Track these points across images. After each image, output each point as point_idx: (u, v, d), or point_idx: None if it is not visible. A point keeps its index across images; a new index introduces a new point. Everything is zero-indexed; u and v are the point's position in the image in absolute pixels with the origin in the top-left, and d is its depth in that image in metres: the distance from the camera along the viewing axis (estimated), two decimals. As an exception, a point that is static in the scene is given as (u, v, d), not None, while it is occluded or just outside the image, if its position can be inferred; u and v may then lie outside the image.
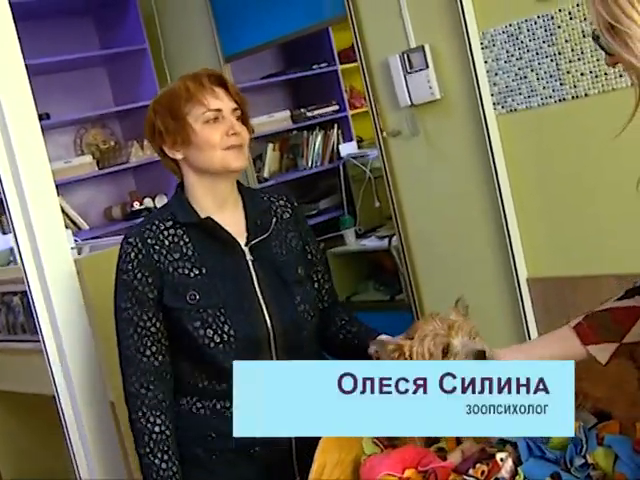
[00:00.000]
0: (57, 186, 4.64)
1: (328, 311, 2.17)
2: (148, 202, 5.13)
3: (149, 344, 1.97)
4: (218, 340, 1.92)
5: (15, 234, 2.14)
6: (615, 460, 1.52)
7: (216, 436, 1.98)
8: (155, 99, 2.05)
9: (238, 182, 2.10)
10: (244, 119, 2.05)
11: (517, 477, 1.56)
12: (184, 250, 1.98)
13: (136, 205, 5.09)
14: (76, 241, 3.80)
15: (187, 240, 1.99)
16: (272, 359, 1.97)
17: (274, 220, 2.08)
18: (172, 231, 1.99)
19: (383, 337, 1.93)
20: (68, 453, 2.29)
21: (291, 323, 2.00)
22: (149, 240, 1.97)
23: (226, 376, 1.90)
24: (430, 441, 1.81)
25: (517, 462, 1.59)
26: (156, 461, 1.93)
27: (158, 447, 1.93)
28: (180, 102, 1.97)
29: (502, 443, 1.69)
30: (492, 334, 3.49)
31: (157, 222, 2.00)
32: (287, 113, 5.64)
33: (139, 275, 1.96)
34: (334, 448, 1.74)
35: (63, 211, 4.78)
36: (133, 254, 1.96)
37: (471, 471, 1.61)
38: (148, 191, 5.23)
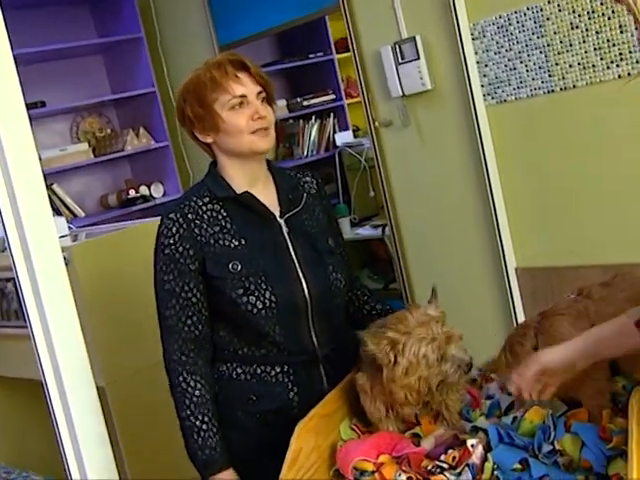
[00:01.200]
0: (53, 173, 4.77)
1: (352, 284, 2.26)
2: (144, 190, 5.16)
3: (190, 314, 2.04)
4: (261, 306, 2.00)
5: (3, 221, 2.17)
6: (581, 447, 1.55)
7: (257, 399, 2.07)
8: (182, 86, 2.11)
9: (267, 160, 2.17)
10: (269, 100, 2.11)
11: (487, 463, 1.60)
12: (223, 223, 2.05)
13: (132, 193, 5.11)
14: (71, 228, 3.83)
15: (225, 214, 2.06)
16: (309, 323, 2.06)
17: (305, 195, 2.17)
18: (210, 206, 2.06)
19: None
20: (55, 439, 2.32)
21: (325, 290, 2.09)
22: (189, 215, 2.03)
23: (266, 341, 2.02)
24: (405, 427, 1.85)
25: (487, 448, 1.63)
26: (197, 423, 2.00)
27: (199, 410, 2.01)
28: (206, 91, 2.03)
29: (475, 430, 1.73)
30: (481, 321, 3.56)
31: (195, 198, 2.07)
32: (283, 102, 5.65)
33: (181, 248, 2.02)
34: (311, 433, 1.78)
35: (59, 198, 4.84)
36: (175, 229, 2.03)
37: (443, 457, 1.66)
38: (144, 179, 5.25)
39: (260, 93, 2.06)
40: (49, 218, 2.24)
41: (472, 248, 3.58)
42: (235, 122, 2.02)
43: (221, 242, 2.03)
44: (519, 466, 1.57)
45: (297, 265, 2.06)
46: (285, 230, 2.08)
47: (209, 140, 2.09)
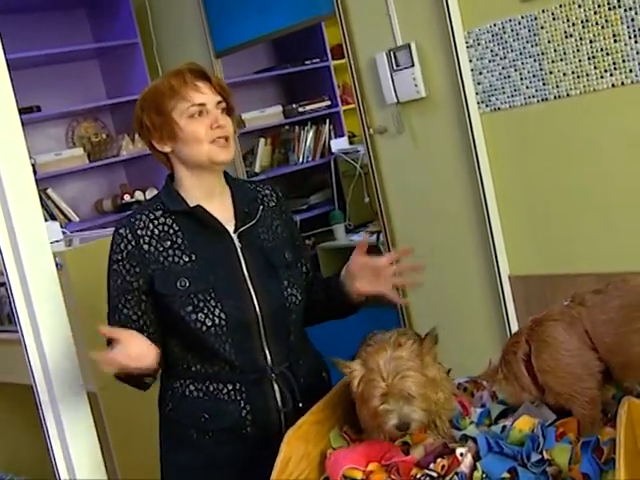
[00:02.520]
0: (48, 178, 4.77)
1: (309, 288, 2.23)
2: (139, 195, 5.16)
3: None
4: (210, 324, 1.98)
5: (-6, 227, 2.17)
6: (571, 457, 1.55)
7: (209, 417, 2.05)
8: (141, 95, 2.09)
9: (225, 172, 2.15)
10: (229, 111, 2.09)
11: (476, 472, 1.59)
12: (174, 238, 2.03)
13: (127, 198, 5.11)
14: (64, 233, 3.83)
15: (177, 228, 2.04)
16: (261, 341, 2.04)
17: (261, 208, 2.14)
18: (162, 220, 2.05)
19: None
20: (46, 444, 2.32)
21: (279, 307, 2.06)
22: (139, 231, 2.02)
23: (218, 358, 2.00)
24: (395, 436, 1.85)
25: (477, 457, 1.62)
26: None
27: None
28: (164, 99, 2.02)
29: (464, 438, 1.72)
30: (475, 328, 3.56)
31: (147, 212, 2.06)
32: (279, 108, 5.66)
33: (128, 266, 2.02)
34: (300, 441, 1.77)
35: (54, 203, 4.83)
36: (123, 245, 2.02)
37: (432, 465, 1.65)
38: (139, 184, 5.25)
39: (220, 103, 2.05)
40: (41, 223, 2.24)
41: (466, 255, 3.58)
42: (193, 131, 2.00)
43: (170, 259, 2.01)
44: (508, 475, 1.56)
45: (249, 281, 2.04)
46: (238, 245, 2.05)
47: (167, 149, 2.07)
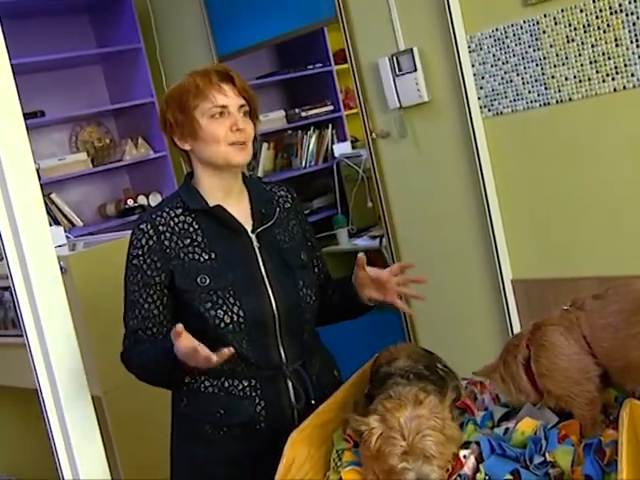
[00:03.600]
0: (52, 183, 4.78)
1: (323, 289, 2.26)
2: (142, 199, 5.17)
3: (150, 325, 2.06)
4: (228, 320, 2.01)
5: (-1, 230, 2.18)
6: (573, 459, 1.56)
7: (224, 412, 2.07)
8: (167, 92, 2.13)
9: (243, 173, 2.19)
10: (252, 115, 2.12)
11: (479, 474, 1.60)
12: (194, 236, 2.06)
13: (130, 202, 5.13)
14: (68, 238, 3.84)
15: (197, 227, 2.07)
16: (277, 338, 2.08)
17: (278, 210, 2.18)
18: (182, 218, 2.08)
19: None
20: (50, 447, 2.32)
21: (294, 306, 2.09)
22: (160, 227, 2.05)
23: (234, 355, 1.97)
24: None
25: (479, 459, 1.63)
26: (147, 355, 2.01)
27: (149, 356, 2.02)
28: (189, 97, 2.05)
29: (467, 442, 1.73)
30: (477, 332, 3.57)
31: (168, 209, 2.09)
32: (282, 113, 5.67)
33: (149, 260, 2.04)
34: (304, 444, 1.78)
35: (58, 208, 4.85)
36: (144, 240, 2.05)
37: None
38: (142, 189, 5.27)
39: (242, 106, 2.08)
40: (45, 227, 2.24)
41: (468, 260, 3.59)
42: (213, 131, 2.04)
43: (190, 255, 2.04)
44: (510, 477, 1.57)
45: (266, 280, 2.07)
46: (256, 245, 2.09)
47: (187, 147, 2.10)
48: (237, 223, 2.09)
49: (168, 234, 2.05)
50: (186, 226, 2.07)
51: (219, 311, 2.01)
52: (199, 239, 2.06)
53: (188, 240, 2.05)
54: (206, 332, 2.01)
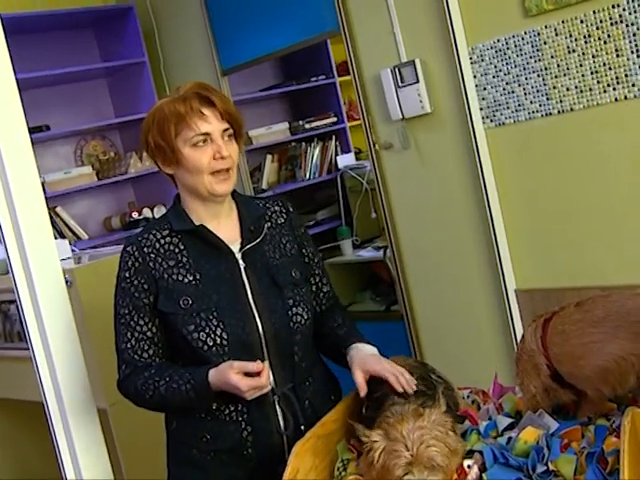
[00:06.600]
0: (57, 196, 4.80)
1: (327, 314, 2.22)
2: (147, 212, 5.18)
3: (146, 347, 2.04)
4: (211, 343, 1.98)
5: (5, 244, 2.20)
6: (576, 468, 1.57)
7: (211, 437, 2.05)
8: (148, 114, 2.08)
9: (233, 190, 2.14)
10: (236, 136, 2.09)
11: (482, 483, 1.61)
12: (179, 257, 2.05)
13: (135, 215, 5.14)
14: (74, 251, 3.86)
15: (182, 247, 2.06)
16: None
17: (267, 225, 2.14)
18: (168, 239, 2.07)
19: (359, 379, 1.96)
20: (56, 460, 2.33)
21: (282, 327, 2.05)
22: (145, 249, 2.04)
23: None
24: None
25: (483, 469, 1.64)
26: (165, 387, 1.98)
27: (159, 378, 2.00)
28: (169, 124, 2.01)
29: (471, 451, 1.74)
30: (481, 342, 3.57)
31: (154, 231, 2.08)
32: (286, 125, 5.68)
33: (136, 282, 2.03)
34: (308, 454, 1.79)
35: (63, 221, 4.87)
36: (130, 262, 2.04)
37: None
38: (146, 201, 5.28)
39: (226, 130, 2.04)
40: (51, 241, 2.27)
41: (472, 270, 3.60)
42: (196, 160, 2.01)
43: (175, 277, 2.02)
44: (514, 486, 1.58)
45: (251, 300, 2.04)
46: (241, 264, 2.06)
47: (170, 172, 2.09)
48: (221, 243, 2.06)
49: (153, 255, 2.04)
50: (172, 247, 2.05)
51: (202, 333, 1.98)
52: (184, 260, 2.04)
53: (173, 261, 2.04)
54: (192, 354, 2.01)
